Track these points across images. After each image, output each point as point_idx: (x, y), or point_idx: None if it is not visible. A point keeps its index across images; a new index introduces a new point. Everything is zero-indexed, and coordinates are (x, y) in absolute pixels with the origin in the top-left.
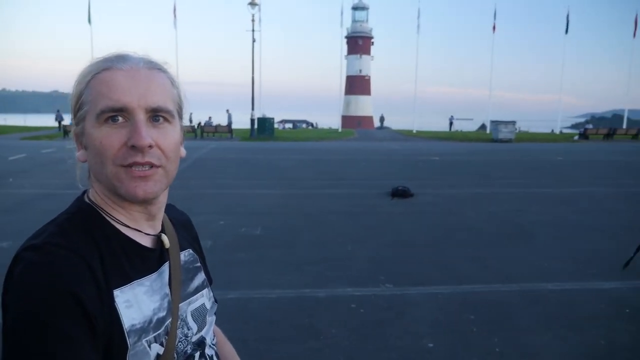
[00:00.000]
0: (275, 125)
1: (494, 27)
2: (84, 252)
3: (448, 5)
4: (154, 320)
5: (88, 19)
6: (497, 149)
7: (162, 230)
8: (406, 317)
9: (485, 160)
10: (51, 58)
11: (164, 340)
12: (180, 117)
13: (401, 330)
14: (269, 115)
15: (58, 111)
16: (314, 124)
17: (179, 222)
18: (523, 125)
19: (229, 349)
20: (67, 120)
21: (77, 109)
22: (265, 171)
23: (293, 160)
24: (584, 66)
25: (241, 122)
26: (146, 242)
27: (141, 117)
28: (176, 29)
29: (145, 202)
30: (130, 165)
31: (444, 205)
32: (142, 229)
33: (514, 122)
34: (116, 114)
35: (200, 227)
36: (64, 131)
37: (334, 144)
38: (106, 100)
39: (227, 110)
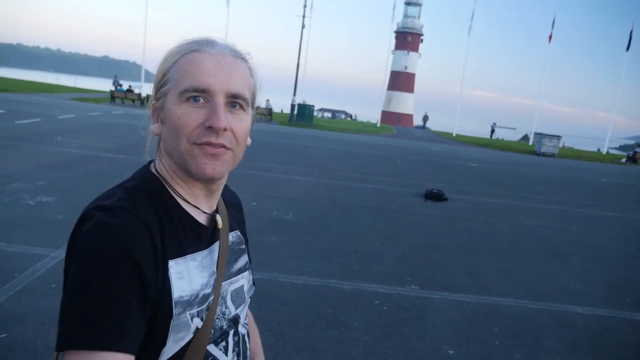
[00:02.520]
0: (315, 113)
1: (550, 37)
2: (148, 220)
3: (504, 10)
4: (200, 296)
5: None
6: (539, 162)
7: (216, 210)
8: (429, 321)
9: (526, 173)
10: (105, 24)
11: (204, 315)
12: (253, 107)
13: (422, 333)
14: (309, 102)
15: (115, 77)
16: (353, 116)
17: (231, 203)
18: (568, 141)
19: (255, 337)
20: (124, 86)
21: (161, 85)
22: (301, 158)
23: (329, 150)
24: None
25: (280, 105)
26: (202, 219)
27: (221, 100)
28: (228, 7)
29: (210, 181)
30: (203, 144)
31: (478, 213)
32: (200, 206)
33: (559, 137)
34: (198, 94)
35: None
36: (112, 96)
37: (371, 138)
38: (191, 80)
39: (267, 100)
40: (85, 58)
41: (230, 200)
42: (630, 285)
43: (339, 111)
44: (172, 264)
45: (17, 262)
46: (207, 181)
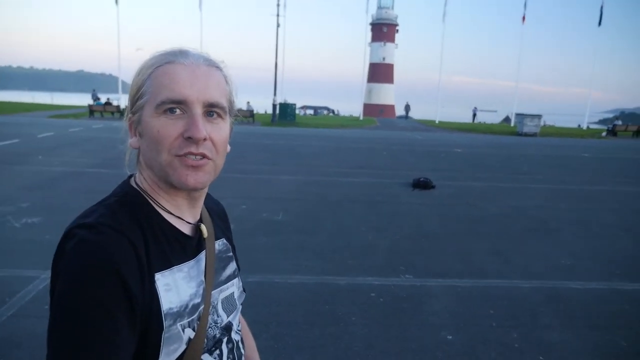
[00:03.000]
0: (297, 111)
1: (523, 18)
2: (131, 235)
3: None
4: (190, 306)
5: None
6: (522, 142)
7: (201, 219)
8: (425, 308)
9: (509, 154)
10: (78, 37)
11: (196, 325)
12: (231, 114)
13: (420, 321)
14: (290, 100)
15: (94, 90)
16: (335, 111)
17: (215, 211)
18: (549, 119)
19: (250, 343)
20: (102, 99)
21: (137, 98)
22: (286, 157)
23: (314, 147)
24: (616, 59)
25: (262, 106)
26: (186, 229)
27: (198, 110)
28: (201, 11)
29: (193, 190)
30: (184, 155)
31: (466, 198)
32: (183, 216)
33: (539, 116)
34: (175, 105)
35: None
36: (90, 110)
37: (355, 132)
38: (167, 92)
39: (248, 102)
40: (59, 74)
41: (214, 209)
42: (620, 256)
43: (321, 107)
44: (158, 276)
45: (7, 287)
46: (190, 190)
